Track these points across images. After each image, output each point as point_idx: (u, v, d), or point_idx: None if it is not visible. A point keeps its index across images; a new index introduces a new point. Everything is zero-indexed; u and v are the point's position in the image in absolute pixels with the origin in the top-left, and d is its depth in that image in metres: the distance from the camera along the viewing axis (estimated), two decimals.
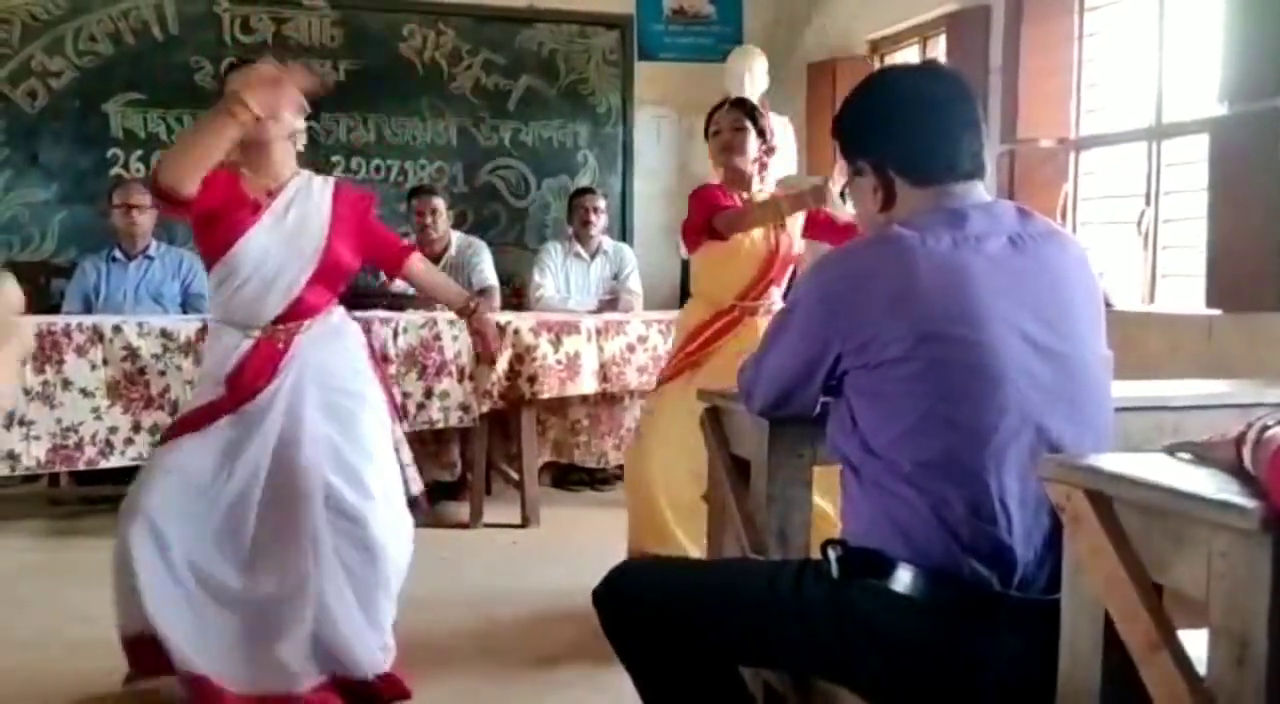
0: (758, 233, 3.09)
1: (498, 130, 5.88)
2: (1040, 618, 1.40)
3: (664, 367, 3.32)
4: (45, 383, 3.56)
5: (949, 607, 1.45)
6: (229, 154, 2.42)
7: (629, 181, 6.09)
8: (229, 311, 2.47)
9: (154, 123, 5.29)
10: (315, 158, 5.44)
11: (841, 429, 1.57)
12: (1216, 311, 3.40)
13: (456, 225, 5.17)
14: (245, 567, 2.39)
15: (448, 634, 3.03)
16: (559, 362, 4.17)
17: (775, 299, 3.15)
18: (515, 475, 4.42)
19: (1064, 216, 4.27)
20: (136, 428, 3.67)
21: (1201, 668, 1.15)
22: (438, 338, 4.04)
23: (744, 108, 3.21)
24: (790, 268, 3.20)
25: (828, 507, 2.48)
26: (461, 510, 4.37)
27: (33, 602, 3.29)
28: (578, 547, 3.82)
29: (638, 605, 1.67)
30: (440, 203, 4.90)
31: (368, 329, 3.93)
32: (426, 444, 4.47)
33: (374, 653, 2.43)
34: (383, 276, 4.44)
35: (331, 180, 2.58)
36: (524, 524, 4.25)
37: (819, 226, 3.24)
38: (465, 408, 4.10)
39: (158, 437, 3.07)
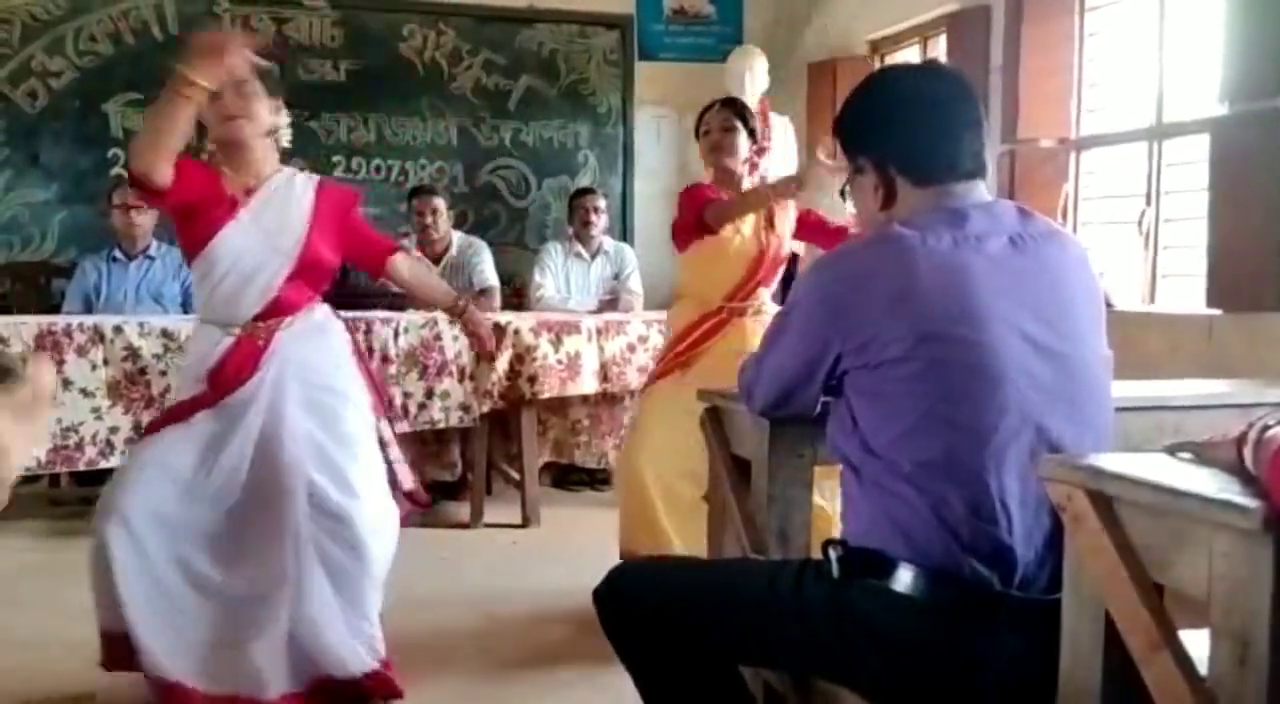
0: (748, 231, 3.09)
1: (498, 130, 5.88)
2: (1041, 618, 1.40)
3: (653, 367, 3.32)
4: None
5: (949, 607, 1.44)
6: (213, 156, 2.43)
7: (629, 181, 6.09)
8: (210, 309, 2.47)
9: None
10: (315, 158, 5.45)
11: (841, 429, 1.57)
12: (1217, 311, 3.40)
13: (457, 225, 5.17)
14: (225, 562, 2.37)
15: (448, 634, 3.03)
16: (559, 361, 4.17)
17: (764, 300, 3.15)
18: (515, 475, 4.42)
19: (1064, 216, 4.27)
20: (137, 428, 3.65)
21: (1203, 668, 1.15)
22: (438, 338, 4.04)
23: (734, 108, 3.21)
24: (780, 269, 3.19)
25: (825, 504, 2.48)
26: (461, 510, 4.37)
27: (33, 602, 3.29)
28: (578, 547, 3.82)
29: (638, 605, 1.67)
30: (441, 203, 4.89)
31: (368, 329, 3.98)
32: (427, 444, 4.48)
33: (359, 652, 2.39)
34: None
35: (315, 177, 2.57)
36: (524, 524, 4.25)
37: (810, 229, 3.25)
38: (466, 408, 4.10)
39: None
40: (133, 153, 2.26)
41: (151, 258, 4.53)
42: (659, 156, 6.08)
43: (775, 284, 3.21)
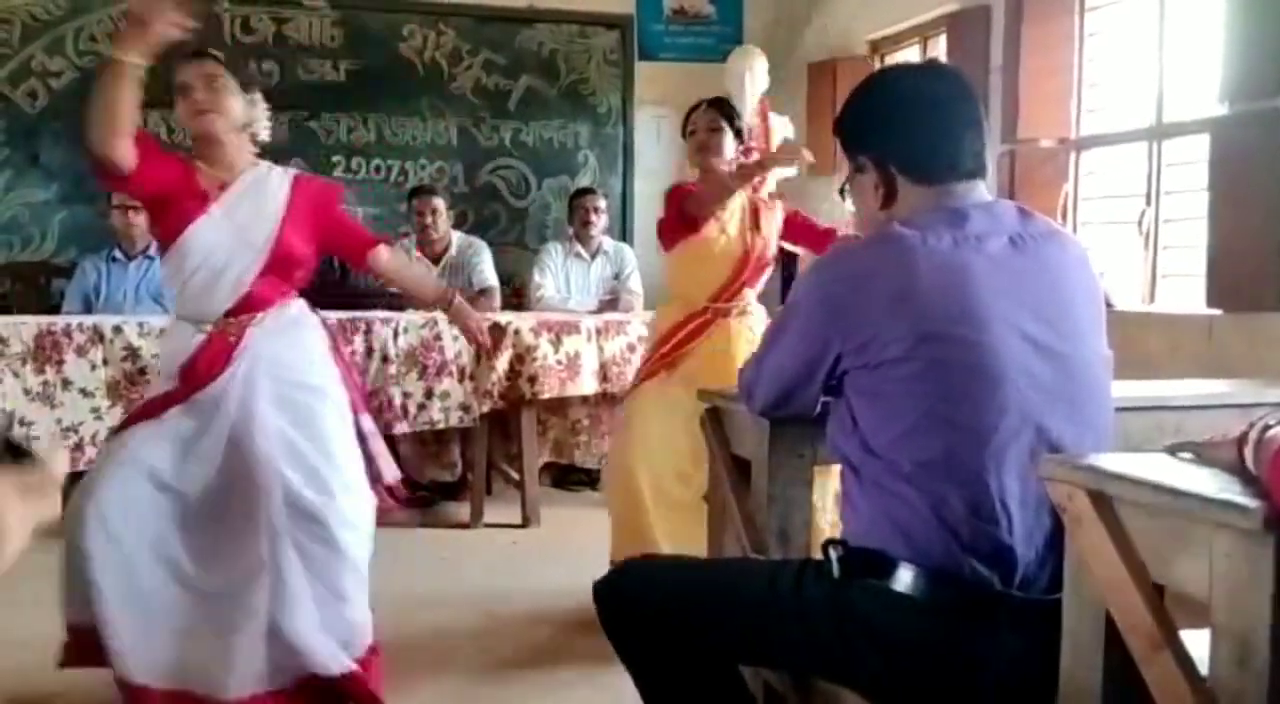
0: (733, 231, 3.09)
1: (498, 130, 5.88)
2: (1041, 618, 1.40)
3: (639, 368, 3.32)
4: (45, 383, 3.56)
5: (950, 607, 1.44)
6: (193, 152, 2.43)
7: (629, 181, 6.09)
8: (183, 304, 2.46)
9: (154, 123, 5.27)
10: (315, 158, 5.46)
11: (841, 429, 1.57)
12: (1217, 311, 3.40)
13: (457, 225, 5.17)
14: (200, 558, 2.35)
15: (448, 634, 3.03)
16: (559, 362, 4.17)
17: (749, 301, 3.15)
18: (515, 475, 4.42)
19: (1064, 216, 4.27)
20: None
21: (1203, 668, 1.15)
22: (438, 338, 4.04)
23: (720, 108, 3.22)
24: (766, 271, 3.19)
25: (816, 500, 2.47)
26: (461, 510, 4.37)
27: (32, 602, 3.27)
28: (578, 547, 3.82)
29: (638, 604, 1.67)
30: (440, 203, 4.89)
31: (368, 329, 3.98)
32: (427, 444, 4.48)
33: (338, 652, 2.36)
34: None
35: (292, 172, 2.56)
36: (524, 524, 4.25)
37: (798, 230, 3.25)
38: (465, 408, 4.10)
39: None
40: (85, 136, 2.23)
41: (151, 258, 4.52)
42: (659, 156, 6.08)
43: (761, 285, 3.20)
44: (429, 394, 4.03)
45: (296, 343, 2.49)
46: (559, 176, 5.96)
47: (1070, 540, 1.30)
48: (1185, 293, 3.74)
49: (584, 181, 5.84)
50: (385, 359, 3.97)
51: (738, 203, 3.13)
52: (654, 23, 6.09)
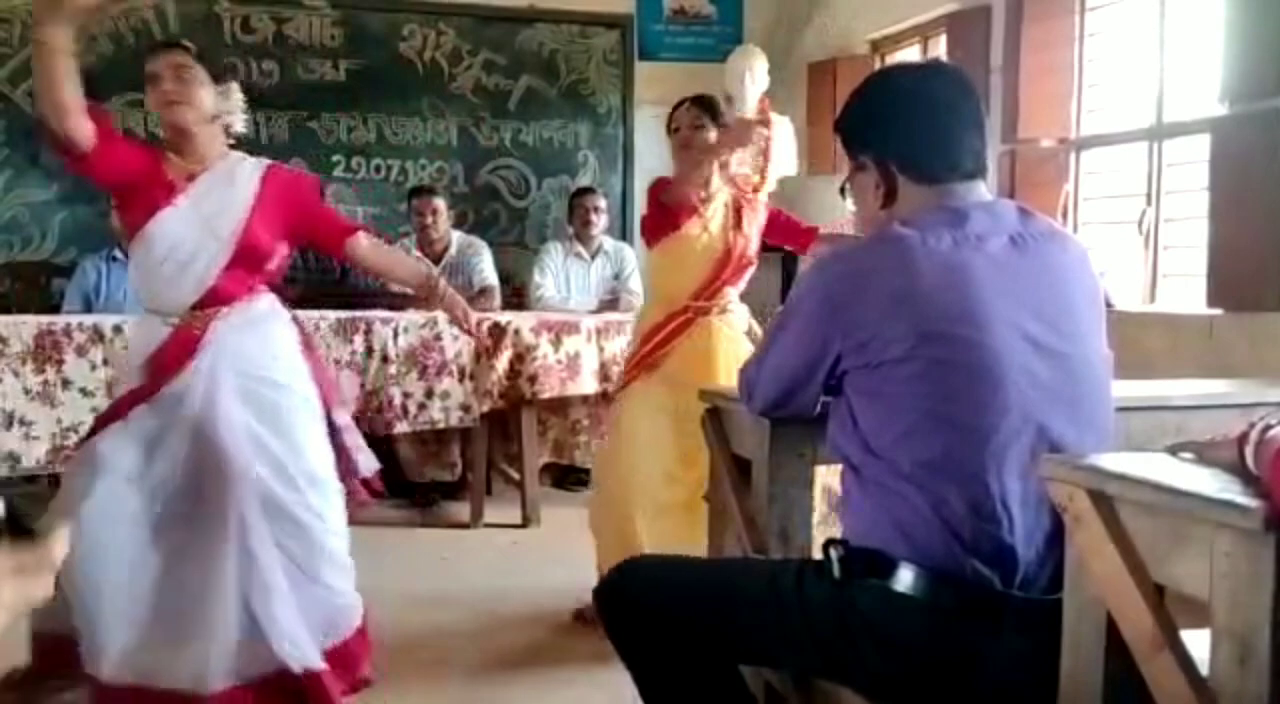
0: (715, 229, 3.07)
1: (498, 130, 5.87)
2: (1042, 618, 1.40)
3: (623, 371, 3.31)
4: (45, 383, 3.55)
5: (950, 606, 1.44)
6: (165, 143, 2.44)
7: (629, 181, 6.08)
8: (149, 297, 2.45)
9: (154, 123, 5.27)
10: (315, 157, 5.45)
11: (842, 429, 1.57)
12: (1217, 311, 3.40)
13: (457, 225, 5.17)
14: (173, 555, 2.34)
15: (448, 634, 3.03)
16: (559, 361, 4.17)
17: (731, 299, 3.14)
18: (515, 475, 4.42)
19: (1064, 216, 4.27)
20: None
21: (1204, 668, 1.15)
22: (438, 338, 4.03)
23: (703, 106, 3.23)
24: (747, 270, 3.18)
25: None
26: (461, 510, 4.37)
27: None
28: (578, 547, 3.80)
29: (639, 604, 1.67)
30: (440, 203, 4.90)
31: (368, 329, 3.98)
32: (427, 444, 4.48)
33: (308, 648, 2.35)
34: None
35: (265, 163, 2.53)
36: (524, 524, 4.25)
37: (780, 229, 3.25)
38: (466, 408, 4.09)
39: None
40: (36, 112, 2.23)
41: None
42: (659, 156, 6.01)
43: (743, 284, 3.20)
44: (429, 394, 4.03)
45: (263, 337, 2.47)
46: (559, 176, 5.96)
47: (1071, 540, 1.30)
48: (1185, 293, 3.74)
49: (584, 181, 5.83)
50: (385, 359, 3.97)
51: (720, 201, 3.13)
52: (654, 23, 6.09)
